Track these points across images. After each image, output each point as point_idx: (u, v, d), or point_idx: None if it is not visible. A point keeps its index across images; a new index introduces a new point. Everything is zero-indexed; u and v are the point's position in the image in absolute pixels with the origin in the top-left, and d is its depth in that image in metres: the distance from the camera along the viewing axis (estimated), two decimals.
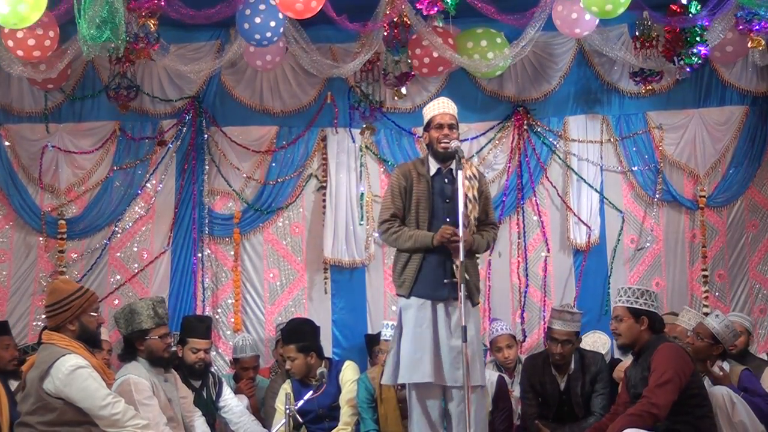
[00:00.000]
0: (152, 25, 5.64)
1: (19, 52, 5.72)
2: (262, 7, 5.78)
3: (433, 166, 4.87)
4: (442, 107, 4.86)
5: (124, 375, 4.69)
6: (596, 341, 6.24)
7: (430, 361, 4.62)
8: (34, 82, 6.44)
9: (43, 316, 4.44)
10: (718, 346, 5.34)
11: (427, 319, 4.69)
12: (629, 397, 4.81)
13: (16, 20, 5.20)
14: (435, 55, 6.28)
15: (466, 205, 4.66)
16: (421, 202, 4.79)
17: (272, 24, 5.81)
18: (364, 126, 6.78)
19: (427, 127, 4.88)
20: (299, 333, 5.67)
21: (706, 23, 6.18)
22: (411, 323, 4.72)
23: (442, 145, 4.76)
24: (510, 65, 6.51)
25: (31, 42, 5.66)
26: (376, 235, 6.90)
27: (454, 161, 4.72)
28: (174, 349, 5.60)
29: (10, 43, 5.69)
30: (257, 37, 5.86)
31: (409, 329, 4.72)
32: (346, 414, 5.53)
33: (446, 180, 4.82)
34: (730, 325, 5.38)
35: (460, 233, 4.51)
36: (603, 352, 6.06)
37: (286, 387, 5.61)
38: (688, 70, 6.43)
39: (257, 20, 5.79)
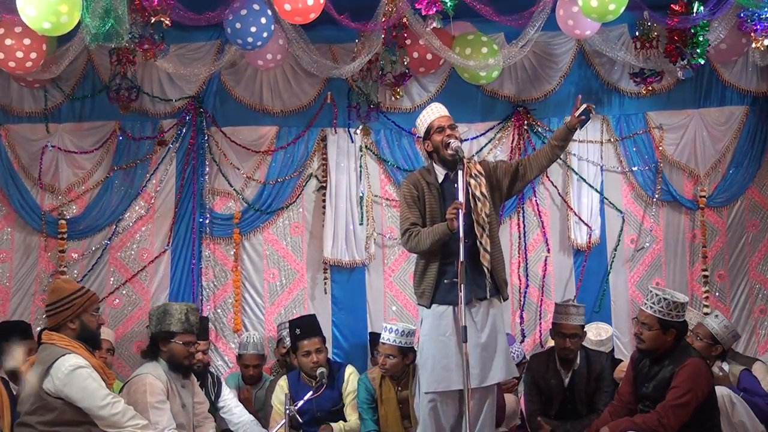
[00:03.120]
0: (165, 23, 5.62)
1: (11, 64, 5.72)
2: (244, 12, 5.79)
3: (440, 173, 4.83)
4: (437, 112, 4.84)
5: (143, 372, 4.68)
6: (599, 329, 6.24)
7: (457, 368, 4.60)
8: (21, 80, 6.38)
9: (44, 316, 4.43)
10: (716, 347, 5.34)
11: (449, 327, 4.67)
12: (632, 390, 4.79)
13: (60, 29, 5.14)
14: (429, 57, 6.32)
15: (476, 203, 4.65)
16: (434, 211, 4.77)
17: (262, 23, 5.82)
18: (361, 126, 6.78)
19: (428, 135, 4.83)
20: (317, 326, 5.74)
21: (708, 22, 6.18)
22: (433, 332, 4.71)
23: (451, 147, 4.70)
24: (509, 65, 6.50)
25: (20, 54, 5.67)
26: (376, 235, 6.92)
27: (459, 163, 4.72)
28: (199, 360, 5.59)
29: (1, 55, 5.68)
30: (248, 40, 5.87)
31: (432, 338, 4.71)
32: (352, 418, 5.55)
33: (455, 184, 4.73)
34: (729, 326, 5.38)
35: (461, 234, 4.50)
36: (605, 337, 6.08)
37: (283, 384, 5.60)
38: (690, 69, 6.41)
39: (241, 24, 5.80)
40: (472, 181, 4.70)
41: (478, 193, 4.70)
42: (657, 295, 4.71)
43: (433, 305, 4.73)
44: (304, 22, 5.65)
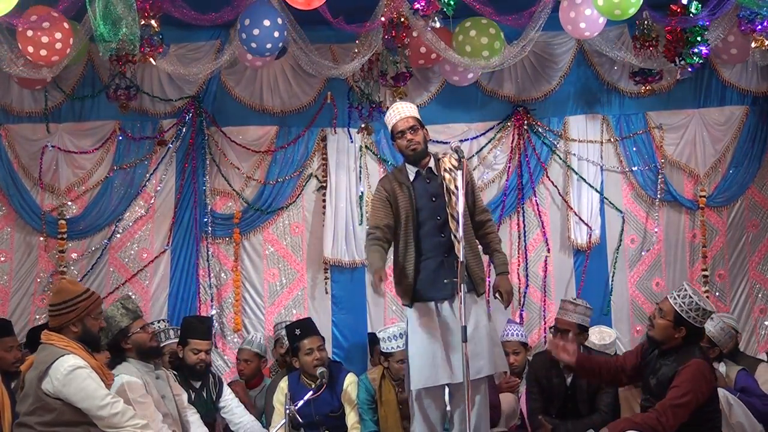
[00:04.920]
0: (154, 26, 5.62)
1: (43, 52, 5.64)
2: (266, 23, 5.79)
3: (411, 171, 4.85)
4: (398, 114, 4.85)
5: (117, 375, 4.69)
6: (603, 333, 6.25)
7: (443, 363, 4.63)
8: (25, 83, 6.35)
9: (48, 315, 4.43)
10: (714, 349, 5.33)
11: (433, 323, 4.70)
12: (635, 364, 4.77)
13: None
14: (432, 56, 6.32)
15: (450, 197, 4.66)
16: (407, 210, 4.78)
17: (275, 35, 5.83)
18: (362, 126, 6.78)
19: (393, 138, 4.89)
20: (315, 327, 5.76)
21: (707, 23, 6.17)
22: (418, 330, 4.73)
23: (411, 147, 4.77)
24: (509, 65, 6.49)
25: (45, 39, 5.60)
26: None
27: (432, 159, 4.79)
28: (172, 345, 5.63)
29: (30, 48, 5.62)
30: (254, 46, 5.89)
31: (417, 336, 4.73)
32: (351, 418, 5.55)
33: (428, 180, 4.82)
34: (726, 327, 5.38)
35: (461, 232, 4.49)
36: (609, 341, 6.08)
37: (283, 385, 5.60)
38: (689, 69, 6.42)
39: (257, 32, 5.79)
40: (447, 175, 4.71)
41: (452, 187, 4.68)
42: (686, 290, 4.61)
43: (415, 303, 4.76)
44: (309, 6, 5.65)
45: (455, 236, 4.61)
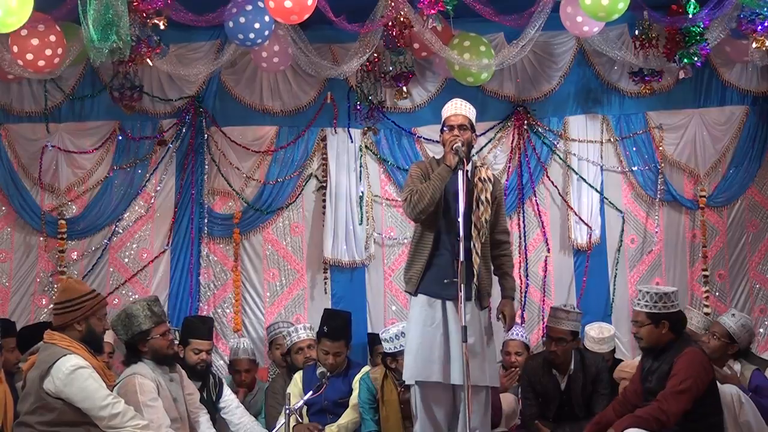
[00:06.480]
0: (162, 24, 5.61)
1: (41, 63, 5.65)
2: (248, 7, 5.76)
3: None
4: (453, 108, 4.82)
5: (131, 374, 4.68)
6: (602, 328, 6.25)
7: (439, 360, 4.61)
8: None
9: (52, 314, 4.43)
10: (733, 346, 5.31)
11: (437, 318, 4.68)
12: (641, 389, 4.79)
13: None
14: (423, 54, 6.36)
15: (478, 207, 4.65)
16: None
17: (259, 24, 5.79)
18: (367, 128, 6.77)
19: (442, 129, 4.84)
20: (347, 329, 5.73)
21: (706, 23, 6.17)
22: (420, 321, 4.71)
23: (453, 147, 4.67)
24: (509, 65, 6.49)
25: (48, 52, 5.62)
26: (376, 235, 6.92)
27: (470, 163, 4.74)
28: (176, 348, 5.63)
29: (29, 56, 5.61)
30: (240, 36, 5.85)
31: (418, 327, 4.71)
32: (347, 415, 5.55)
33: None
34: (747, 324, 5.35)
35: (461, 233, 4.49)
36: (607, 335, 6.08)
37: (297, 378, 5.67)
38: (690, 69, 6.42)
39: (242, 20, 5.77)
40: (480, 184, 4.70)
41: (483, 198, 4.69)
42: (641, 290, 4.78)
43: (420, 294, 4.73)
44: (288, 22, 5.65)
45: (473, 244, 4.60)
